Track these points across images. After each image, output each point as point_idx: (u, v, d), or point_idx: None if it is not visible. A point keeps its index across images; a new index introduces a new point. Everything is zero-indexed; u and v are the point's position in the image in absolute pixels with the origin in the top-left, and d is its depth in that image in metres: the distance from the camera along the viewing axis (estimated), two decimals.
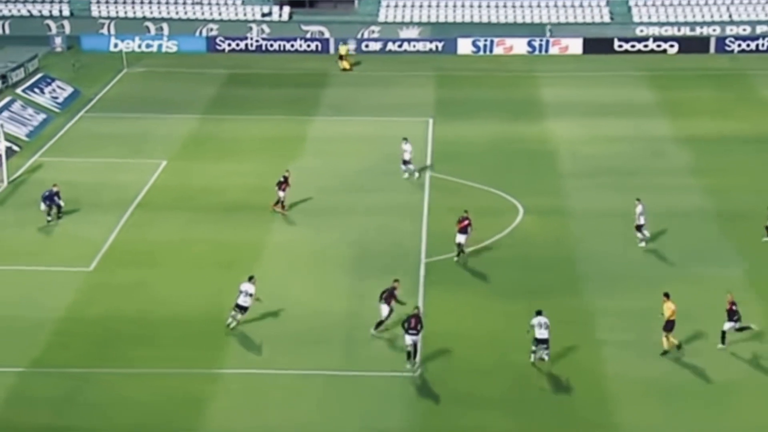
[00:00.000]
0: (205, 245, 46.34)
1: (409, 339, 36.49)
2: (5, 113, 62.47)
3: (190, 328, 39.29)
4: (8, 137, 57.64)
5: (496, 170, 54.84)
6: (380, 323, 38.78)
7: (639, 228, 45.69)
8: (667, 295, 37.52)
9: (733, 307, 37.64)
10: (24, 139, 60.11)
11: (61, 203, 48.79)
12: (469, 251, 44.59)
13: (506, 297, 41.65)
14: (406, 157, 53.06)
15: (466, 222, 44.28)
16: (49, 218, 48.58)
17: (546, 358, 36.75)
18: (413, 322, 36.44)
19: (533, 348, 36.75)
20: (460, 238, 44.18)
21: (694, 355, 37.49)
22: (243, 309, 38.93)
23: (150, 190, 52.55)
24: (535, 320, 36.70)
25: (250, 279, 39.29)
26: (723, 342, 37.81)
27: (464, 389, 35.73)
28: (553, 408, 34.92)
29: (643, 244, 45.78)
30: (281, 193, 49.23)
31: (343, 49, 76.24)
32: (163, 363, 36.91)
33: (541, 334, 36.55)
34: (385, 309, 38.76)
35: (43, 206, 48.57)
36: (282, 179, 49.38)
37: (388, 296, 38.89)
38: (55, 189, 48.85)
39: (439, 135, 60.93)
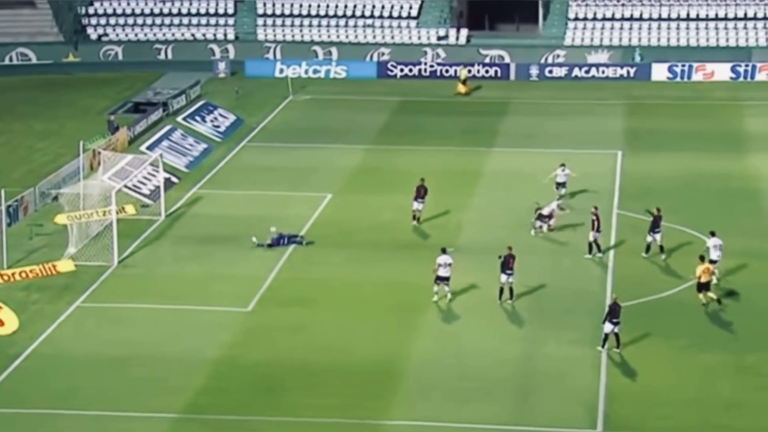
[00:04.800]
0: (373, 286, 46.69)
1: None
2: (165, 142, 64.34)
3: (356, 375, 39.36)
4: (167, 168, 59.37)
5: (692, 209, 53.93)
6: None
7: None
8: (701, 258, 43.08)
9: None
10: (183, 170, 61.72)
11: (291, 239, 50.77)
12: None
13: (706, 349, 40.77)
14: (561, 179, 55.53)
15: None
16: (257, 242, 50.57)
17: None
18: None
19: None
20: None
21: None
22: (445, 279, 43.91)
23: (314, 226, 53.30)
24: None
25: (444, 251, 44.10)
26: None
27: None
28: None
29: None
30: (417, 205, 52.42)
31: (463, 74, 76.51)
32: (327, 412, 36.97)
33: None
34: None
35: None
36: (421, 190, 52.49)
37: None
38: (300, 239, 50.79)
39: (628, 169, 60.35)
